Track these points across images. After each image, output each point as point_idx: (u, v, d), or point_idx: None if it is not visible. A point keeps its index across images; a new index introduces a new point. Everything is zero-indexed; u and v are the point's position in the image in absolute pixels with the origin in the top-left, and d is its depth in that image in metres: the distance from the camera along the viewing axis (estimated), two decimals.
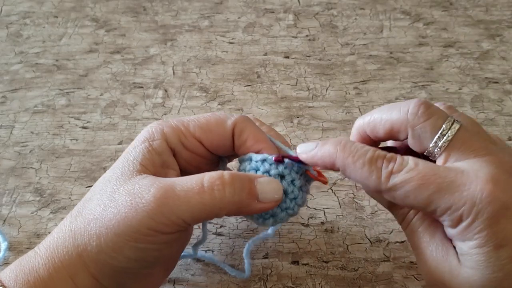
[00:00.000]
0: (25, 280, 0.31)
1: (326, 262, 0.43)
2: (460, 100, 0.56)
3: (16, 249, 0.44)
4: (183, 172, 0.36)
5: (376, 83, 0.58)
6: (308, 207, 0.47)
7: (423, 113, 0.31)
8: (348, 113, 0.55)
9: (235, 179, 0.32)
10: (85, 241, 0.31)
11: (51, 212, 0.47)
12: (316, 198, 0.47)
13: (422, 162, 0.30)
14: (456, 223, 0.29)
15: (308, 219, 0.46)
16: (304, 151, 0.34)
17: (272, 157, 0.35)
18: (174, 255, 0.38)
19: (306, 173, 0.36)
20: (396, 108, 0.32)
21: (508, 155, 0.30)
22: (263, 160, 0.35)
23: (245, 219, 0.46)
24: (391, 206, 0.35)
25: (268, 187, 0.33)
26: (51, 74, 0.60)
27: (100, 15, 0.68)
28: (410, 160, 0.30)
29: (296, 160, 0.35)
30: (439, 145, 0.30)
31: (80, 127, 0.54)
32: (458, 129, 0.30)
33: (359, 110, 0.55)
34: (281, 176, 0.35)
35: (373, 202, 0.47)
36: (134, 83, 0.59)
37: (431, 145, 0.31)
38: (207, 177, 0.31)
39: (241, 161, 0.37)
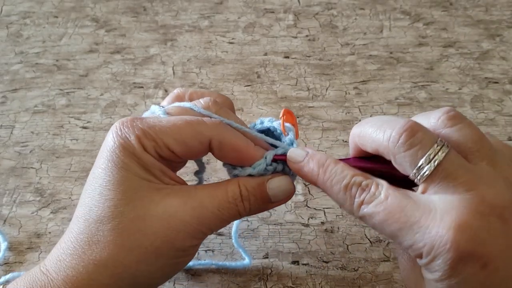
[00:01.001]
0: None
1: (326, 262, 0.43)
2: (460, 100, 0.56)
3: (16, 249, 0.45)
4: None
5: (376, 83, 0.58)
6: (308, 207, 0.47)
7: (403, 143, 0.29)
8: (348, 113, 0.55)
9: (251, 193, 0.34)
10: (118, 272, 0.31)
11: (51, 212, 0.47)
12: (316, 198, 0.47)
13: (392, 195, 0.29)
14: (418, 257, 0.29)
15: (308, 219, 0.46)
16: (293, 160, 0.34)
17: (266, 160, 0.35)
18: None
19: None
20: (382, 130, 0.31)
21: (499, 188, 0.28)
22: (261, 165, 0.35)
23: (245, 219, 0.46)
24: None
25: (280, 188, 0.35)
26: (51, 74, 0.60)
27: (100, 15, 0.68)
28: (383, 191, 0.30)
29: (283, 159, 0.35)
30: (418, 177, 0.29)
31: (80, 127, 0.55)
32: (442, 160, 0.28)
33: (359, 110, 0.55)
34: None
35: None
36: (134, 83, 0.59)
37: (411, 174, 0.30)
38: (231, 195, 0.34)
39: (230, 170, 0.36)
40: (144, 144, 0.32)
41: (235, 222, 0.43)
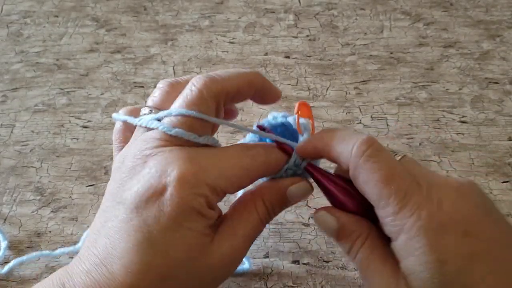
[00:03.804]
0: None
1: (327, 262, 0.43)
2: (460, 100, 0.56)
3: (16, 248, 0.44)
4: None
5: (377, 83, 0.58)
6: (308, 206, 0.47)
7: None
8: (349, 113, 0.55)
9: (275, 205, 0.34)
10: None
11: (51, 211, 0.47)
12: (316, 197, 0.47)
13: (393, 159, 0.31)
14: (396, 233, 0.29)
15: (309, 218, 0.46)
16: (299, 146, 0.35)
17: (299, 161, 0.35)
18: None
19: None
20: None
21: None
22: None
23: None
24: (339, 236, 0.34)
25: (299, 192, 0.35)
26: (52, 74, 0.60)
27: (100, 14, 0.68)
28: (385, 152, 0.31)
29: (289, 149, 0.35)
30: None
31: (80, 126, 0.55)
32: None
33: (360, 110, 0.55)
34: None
35: None
36: (134, 82, 0.59)
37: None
38: (262, 216, 0.34)
39: None
40: (209, 200, 0.30)
41: None
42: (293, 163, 0.35)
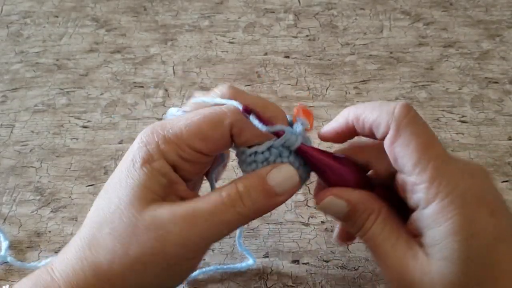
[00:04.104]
0: None
1: (327, 261, 0.43)
2: (460, 100, 0.56)
3: (16, 248, 0.44)
4: (188, 181, 0.34)
5: (376, 83, 0.58)
6: (308, 206, 0.47)
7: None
8: None
9: (250, 188, 0.31)
10: (111, 279, 0.30)
11: (51, 211, 0.47)
12: None
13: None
14: (428, 200, 0.28)
15: (309, 218, 0.46)
16: (325, 128, 0.35)
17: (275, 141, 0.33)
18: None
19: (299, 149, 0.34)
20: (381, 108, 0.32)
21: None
22: (269, 148, 0.33)
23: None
24: (348, 216, 0.33)
25: (282, 177, 0.32)
26: (52, 74, 0.60)
27: (100, 14, 0.68)
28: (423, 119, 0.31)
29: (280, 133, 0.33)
30: None
31: (80, 126, 0.55)
32: None
33: None
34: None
35: None
36: (134, 82, 0.59)
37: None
38: (225, 195, 0.31)
39: (242, 154, 0.34)
40: (164, 151, 0.31)
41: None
42: (280, 144, 0.33)
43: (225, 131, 0.31)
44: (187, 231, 0.30)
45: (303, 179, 0.35)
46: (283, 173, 0.32)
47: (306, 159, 0.34)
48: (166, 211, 0.30)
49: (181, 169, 0.32)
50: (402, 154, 0.30)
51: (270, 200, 0.32)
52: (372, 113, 0.31)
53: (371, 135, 0.33)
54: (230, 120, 0.31)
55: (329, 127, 0.35)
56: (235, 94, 0.33)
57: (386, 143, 0.31)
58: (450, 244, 0.28)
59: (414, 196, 0.30)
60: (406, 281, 0.30)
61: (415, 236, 0.30)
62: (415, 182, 0.29)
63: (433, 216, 0.28)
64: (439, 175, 0.28)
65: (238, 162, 0.35)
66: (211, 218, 0.30)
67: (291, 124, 0.35)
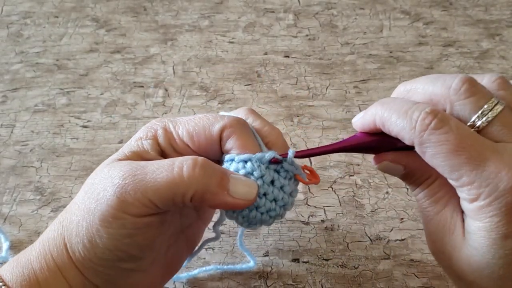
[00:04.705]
0: (20, 273, 0.31)
1: (327, 260, 0.43)
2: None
3: (16, 247, 0.45)
4: None
5: (376, 82, 0.58)
6: (308, 205, 0.47)
7: (466, 90, 0.29)
8: (348, 112, 0.55)
9: (208, 164, 0.31)
10: (69, 233, 0.31)
11: (51, 211, 0.47)
12: (316, 196, 0.48)
13: (462, 127, 0.29)
14: (472, 200, 0.28)
15: (309, 217, 0.46)
16: (355, 120, 0.34)
17: (256, 156, 0.33)
18: (163, 251, 0.36)
19: (296, 178, 0.35)
20: (440, 81, 0.31)
21: None
22: (246, 161, 0.33)
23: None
24: (406, 175, 0.33)
25: (241, 185, 0.32)
26: (52, 74, 0.60)
27: (100, 15, 0.68)
28: (452, 120, 0.29)
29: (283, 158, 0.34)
30: (477, 125, 0.29)
31: (80, 126, 0.55)
32: (501, 111, 0.29)
33: (359, 109, 0.55)
34: (272, 182, 0.34)
35: (373, 200, 0.47)
36: (134, 82, 0.59)
37: (468, 124, 0.29)
38: (180, 158, 0.31)
39: (223, 161, 0.35)
40: (157, 136, 0.34)
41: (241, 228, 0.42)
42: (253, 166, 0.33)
43: (214, 134, 0.33)
44: (128, 182, 0.30)
45: (288, 207, 0.35)
46: (247, 182, 0.33)
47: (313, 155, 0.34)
48: (121, 164, 0.32)
49: (170, 157, 0.33)
50: (435, 165, 0.30)
51: (219, 189, 0.31)
52: (397, 123, 0.30)
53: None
54: (222, 125, 0.33)
55: (359, 123, 0.34)
56: (248, 115, 0.36)
57: (417, 154, 0.31)
58: (483, 240, 0.28)
59: (459, 193, 0.30)
60: (439, 248, 0.31)
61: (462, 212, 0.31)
62: (458, 186, 0.29)
63: (474, 212, 0.29)
64: (476, 178, 0.28)
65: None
66: (155, 173, 0.30)
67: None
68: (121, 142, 0.53)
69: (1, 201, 0.48)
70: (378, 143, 0.33)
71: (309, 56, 0.62)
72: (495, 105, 0.29)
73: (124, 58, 0.62)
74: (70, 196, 0.48)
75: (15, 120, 0.55)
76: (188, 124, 0.34)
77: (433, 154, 0.29)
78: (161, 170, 0.31)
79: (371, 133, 0.33)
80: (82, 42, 0.64)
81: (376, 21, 0.66)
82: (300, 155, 0.34)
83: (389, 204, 0.47)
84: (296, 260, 0.43)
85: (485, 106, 0.29)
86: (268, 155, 0.33)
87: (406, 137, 0.30)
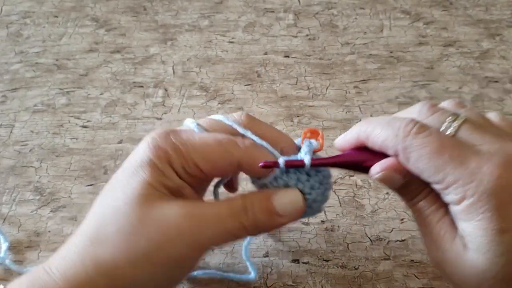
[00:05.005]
0: None
1: (327, 261, 0.43)
2: (461, 99, 0.56)
3: (16, 248, 0.44)
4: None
5: (376, 82, 0.58)
6: None
7: (428, 108, 0.32)
8: (349, 112, 0.55)
9: (254, 203, 0.33)
10: (114, 274, 0.30)
11: (51, 211, 0.47)
12: None
13: (441, 132, 0.30)
14: (460, 200, 0.28)
15: (309, 217, 0.46)
16: (338, 139, 0.35)
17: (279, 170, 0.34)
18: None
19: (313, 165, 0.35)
20: (404, 113, 0.33)
21: None
22: (276, 177, 0.34)
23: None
24: (406, 185, 0.34)
25: (286, 199, 0.34)
26: (51, 74, 0.60)
27: (100, 14, 0.68)
28: (431, 127, 0.30)
29: (300, 164, 0.34)
30: (447, 132, 0.30)
31: (80, 126, 0.54)
32: (465, 120, 0.30)
33: (360, 109, 0.55)
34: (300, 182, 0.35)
35: (374, 201, 0.47)
36: (134, 82, 0.59)
37: (442, 127, 0.31)
38: (234, 206, 0.33)
39: (255, 182, 0.36)
40: (172, 160, 0.32)
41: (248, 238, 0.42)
42: (279, 172, 0.34)
43: (232, 163, 0.33)
44: (194, 232, 0.31)
45: (318, 201, 0.35)
46: (288, 196, 0.34)
47: (327, 166, 0.35)
48: (174, 209, 0.31)
49: (183, 178, 0.33)
50: (419, 169, 0.30)
51: (271, 218, 0.33)
52: (381, 134, 0.31)
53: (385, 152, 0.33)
54: (240, 154, 0.33)
55: (341, 141, 0.35)
56: (251, 124, 0.35)
57: (404, 163, 0.31)
58: (482, 238, 0.28)
59: (446, 198, 0.30)
60: (441, 259, 0.31)
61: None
62: (442, 188, 0.30)
63: (465, 212, 0.29)
64: (461, 176, 0.28)
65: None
66: (218, 223, 0.32)
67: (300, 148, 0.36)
68: (120, 142, 0.53)
69: (1, 201, 0.48)
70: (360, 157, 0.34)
71: (309, 56, 0.62)
72: (458, 116, 0.31)
73: (123, 58, 0.62)
74: (69, 196, 0.48)
75: (15, 120, 0.55)
76: (202, 150, 0.33)
77: (417, 158, 0.30)
78: (219, 219, 0.32)
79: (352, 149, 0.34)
80: (82, 42, 0.64)
81: (376, 21, 0.66)
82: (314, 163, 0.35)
83: (389, 205, 0.47)
84: (296, 260, 0.43)
85: (449, 118, 0.31)
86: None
87: (390, 145, 0.31)
